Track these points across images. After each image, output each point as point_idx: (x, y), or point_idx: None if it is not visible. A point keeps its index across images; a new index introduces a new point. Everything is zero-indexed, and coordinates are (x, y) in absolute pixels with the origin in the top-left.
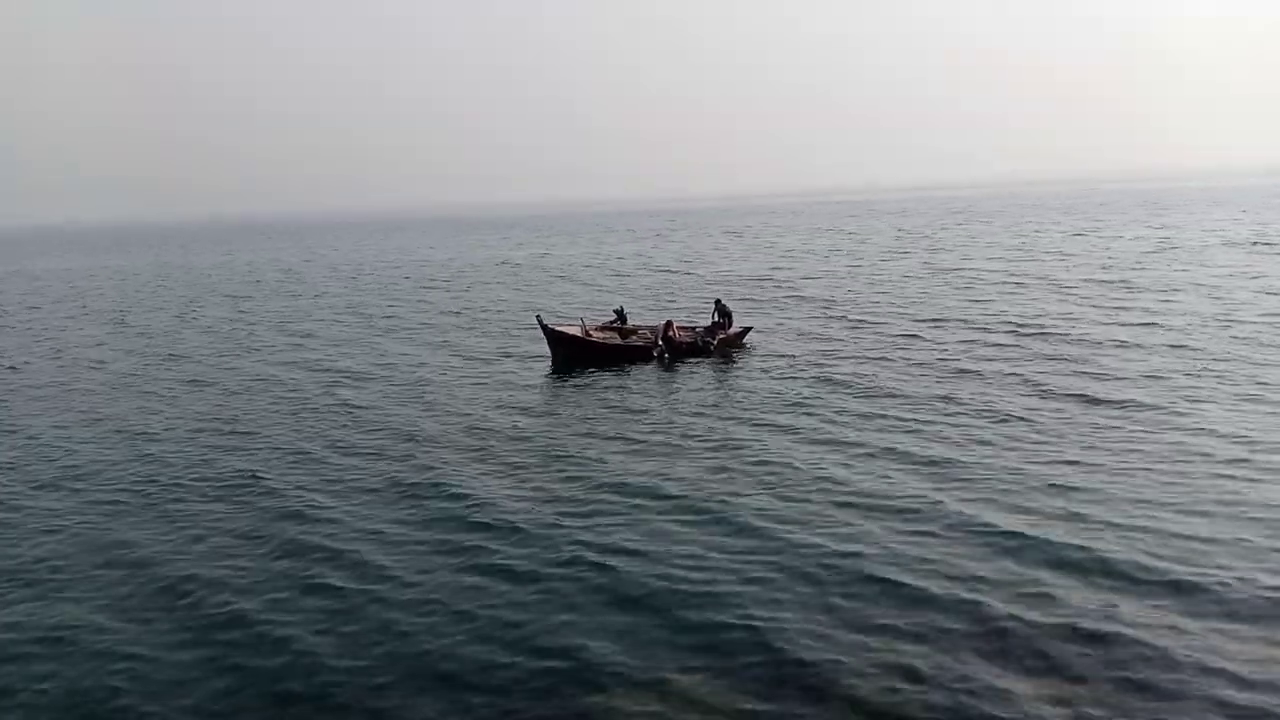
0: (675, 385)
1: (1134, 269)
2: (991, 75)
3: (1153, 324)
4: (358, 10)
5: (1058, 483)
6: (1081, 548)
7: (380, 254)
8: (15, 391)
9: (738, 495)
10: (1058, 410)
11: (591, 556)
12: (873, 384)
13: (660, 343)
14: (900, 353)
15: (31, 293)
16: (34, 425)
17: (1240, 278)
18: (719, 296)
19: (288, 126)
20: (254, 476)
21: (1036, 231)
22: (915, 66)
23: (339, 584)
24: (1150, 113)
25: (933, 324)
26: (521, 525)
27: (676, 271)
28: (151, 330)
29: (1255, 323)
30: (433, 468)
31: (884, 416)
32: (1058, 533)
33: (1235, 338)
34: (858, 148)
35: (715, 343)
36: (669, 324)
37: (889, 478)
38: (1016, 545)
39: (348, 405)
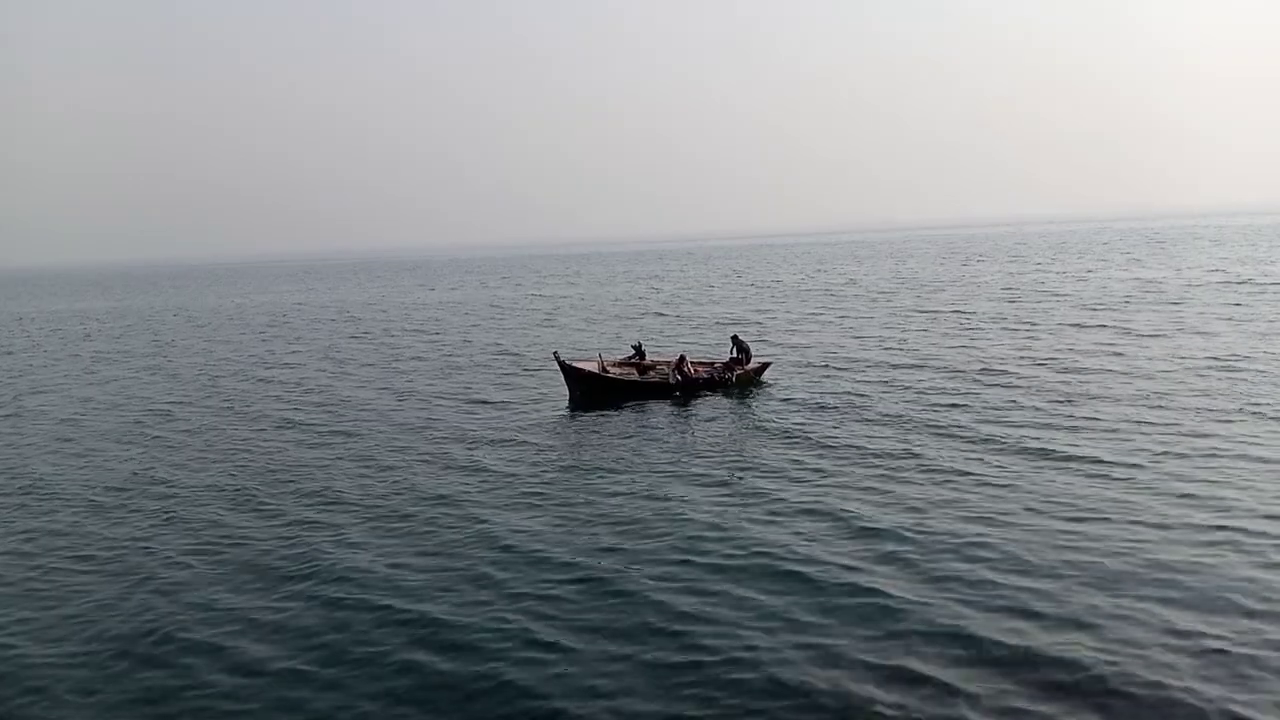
0: (693, 423)
1: (1121, 310)
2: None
3: (1132, 371)
4: (360, 57)
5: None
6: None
7: (392, 294)
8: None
9: (746, 542)
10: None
11: (605, 594)
12: (890, 428)
13: (677, 377)
14: (915, 395)
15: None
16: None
17: (1230, 321)
18: (736, 333)
19: (292, 168)
20: (260, 499)
21: (1049, 269)
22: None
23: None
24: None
25: (929, 365)
26: (537, 561)
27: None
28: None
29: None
30: (451, 504)
31: (898, 474)
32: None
33: (1213, 388)
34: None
35: (734, 378)
36: (682, 358)
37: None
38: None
39: (367, 440)
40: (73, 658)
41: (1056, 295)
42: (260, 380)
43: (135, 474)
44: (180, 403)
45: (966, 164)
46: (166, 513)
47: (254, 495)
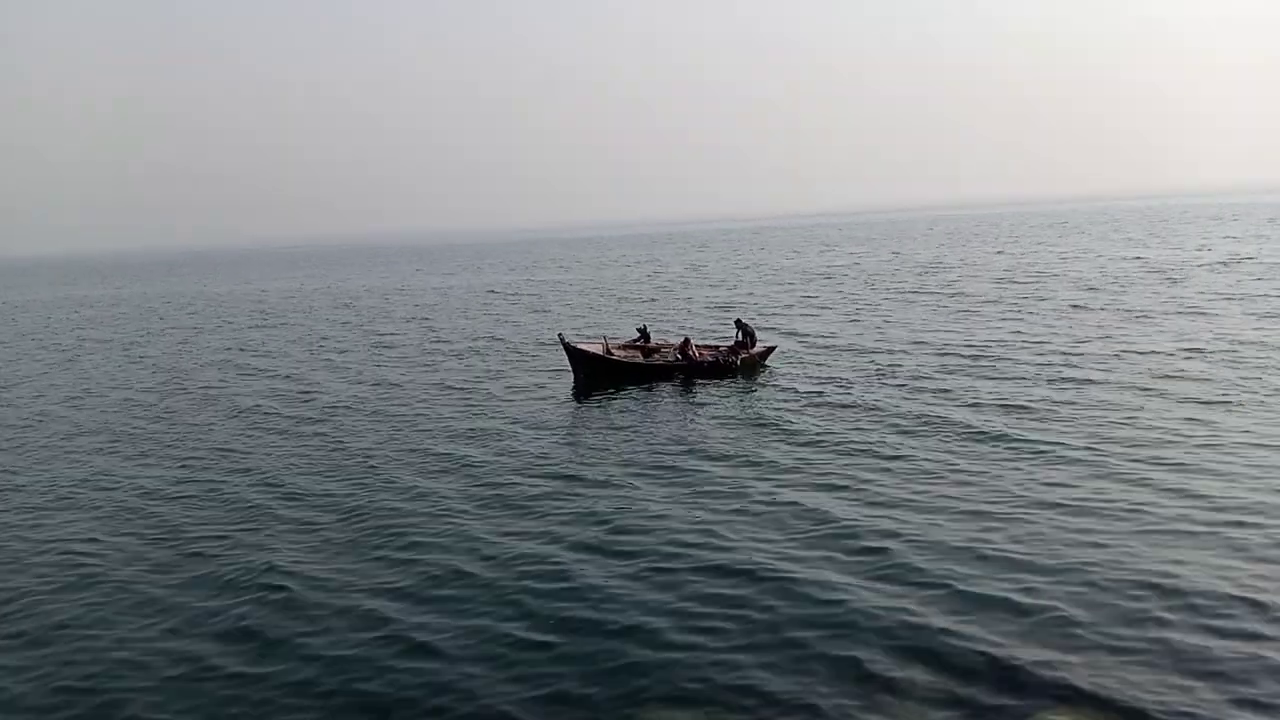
0: (694, 409)
1: (1116, 292)
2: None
3: (1120, 353)
4: (356, 41)
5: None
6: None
7: (392, 280)
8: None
9: (746, 533)
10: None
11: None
12: (890, 417)
13: (678, 358)
14: (915, 380)
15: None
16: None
17: (1222, 300)
18: (739, 316)
19: (290, 158)
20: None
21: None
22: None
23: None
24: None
25: (930, 350)
26: (537, 553)
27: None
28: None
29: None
30: (452, 488)
31: (895, 468)
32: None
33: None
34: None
35: (738, 362)
36: (687, 341)
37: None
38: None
39: (372, 426)
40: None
41: (1056, 276)
42: (237, 367)
43: (96, 467)
44: (154, 392)
45: (969, 145)
46: (119, 506)
47: (218, 488)
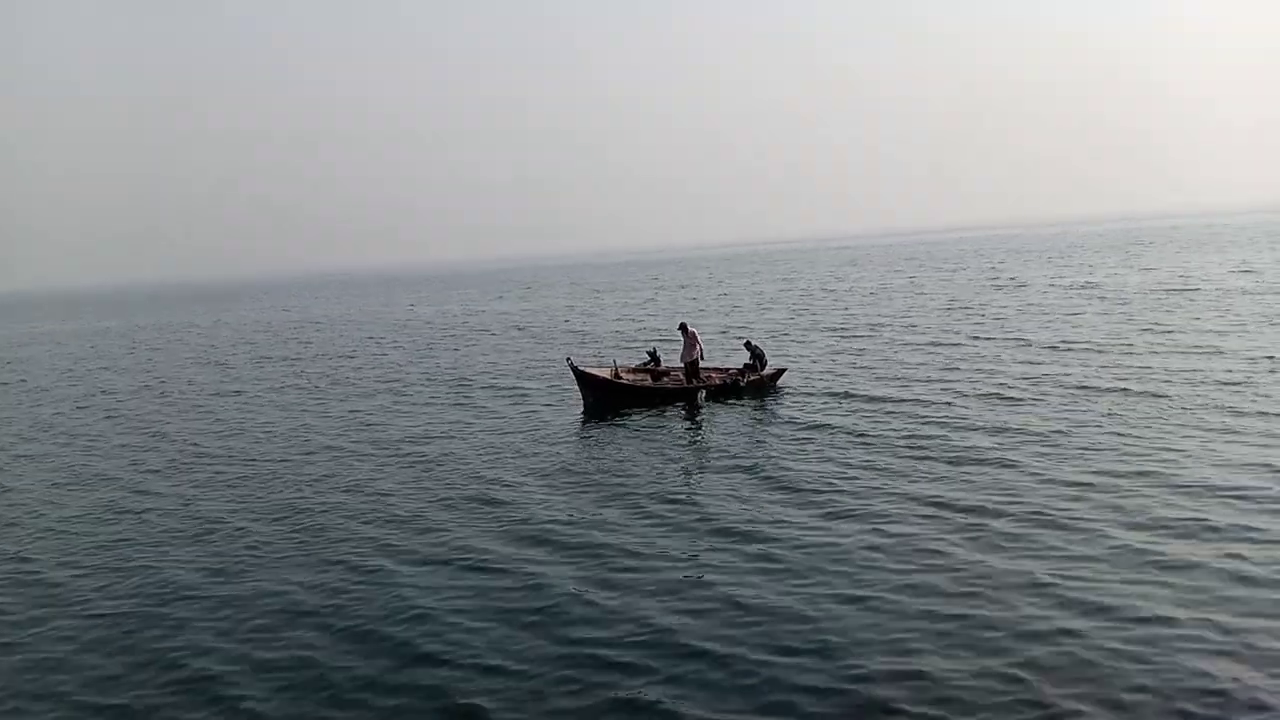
0: (707, 431)
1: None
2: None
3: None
4: (375, 59)
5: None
6: None
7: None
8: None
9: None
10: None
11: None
12: (899, 447)
13: (693, 369)
14: (915, 401)
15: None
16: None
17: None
18: (748, 338)
19: (289, 183)
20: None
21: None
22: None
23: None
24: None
25: (943, 378)
26: (548, 576)
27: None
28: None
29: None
30: (460, 516)
31: (905, 512)
32: None
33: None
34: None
35: (745, 382)
36: (695, 362)
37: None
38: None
39: (380, 454)
40: None
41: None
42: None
43: None
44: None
45: (969, 166)
46: None
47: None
